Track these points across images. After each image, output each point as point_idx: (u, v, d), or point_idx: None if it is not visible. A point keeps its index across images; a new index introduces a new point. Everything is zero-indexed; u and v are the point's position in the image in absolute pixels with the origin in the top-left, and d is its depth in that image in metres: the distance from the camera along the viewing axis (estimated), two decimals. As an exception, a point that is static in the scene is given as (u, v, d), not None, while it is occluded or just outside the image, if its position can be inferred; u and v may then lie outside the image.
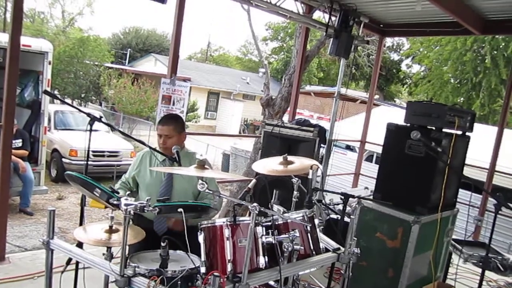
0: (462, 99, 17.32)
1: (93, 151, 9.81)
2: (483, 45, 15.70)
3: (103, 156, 10.16)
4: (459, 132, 3.74)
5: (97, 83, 21.84)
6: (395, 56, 31.41)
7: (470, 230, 5.23)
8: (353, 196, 2.80)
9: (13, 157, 6.43)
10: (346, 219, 3.03)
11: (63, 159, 9.94)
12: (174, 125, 3.06)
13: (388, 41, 27.29)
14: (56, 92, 19.38)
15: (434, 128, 3.61)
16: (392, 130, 3.85)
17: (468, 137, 3.93)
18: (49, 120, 10.16)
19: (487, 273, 3.54)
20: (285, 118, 7.18)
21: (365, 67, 24.31)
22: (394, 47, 31.10)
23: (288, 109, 7.21)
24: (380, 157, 4.08)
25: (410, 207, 3.59)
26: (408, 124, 3.75)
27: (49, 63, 7.62)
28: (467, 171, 4.16)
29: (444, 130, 3.59)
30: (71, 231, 5.98)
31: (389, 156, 3.93)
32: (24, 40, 7.19)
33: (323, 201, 3.18)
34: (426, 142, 3.22)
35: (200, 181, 2.04)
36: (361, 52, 18.27)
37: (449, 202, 3.84)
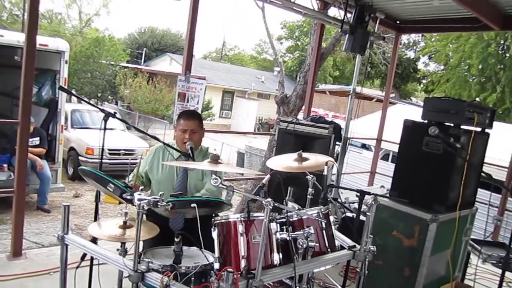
0: (479, 97, 17.00)
1: (109, 149, 9.92)
2: (502, 41, 15.40)
3: (119, 154, 10.26)
4: (478, 129, 3.66)
5: (113, 82, 22.05)
6: (411, 54, 31.01)
7: (489, 230, 5.12)
8: (369, 193, 2.75)
9: (30, 155, 6.55)
10: (362, 217, 2.98)
11: (80, 157, 10.07)
12: (199, 120, 3.06)
13: (404, 38, 26.96)
14: (73, 91, 19.62)
15: (452, 124, 3.53)
16: (409, 127, 3.78)
17: (488, 134, 3.84)
18: (66, 119, 10.29)
19: (507, 274, 3.45)
20: (300, 116, 7.13)
21: (380, 65, 24.05)
22: (410, 44, 30.72)
23: (303, 107, 7.16)
24: (397, 155, 4.01)
25: (427, 205, 3.51)
26: (426, 121, 3.68)
27: (66, 62, 7.71)
28: (486, 170, 4.06)
29: (462, 127, 3.51)
30: (87, 228, 6.05)
31: (406, 153, 3.86)
32: (41, 39, 7.32)
33: (338, 199, 3.15)
34: (445, 138, 3.15)
35: (213, 176, 2.02)
36: (377, 49, 18.08)
37: (468, 200, 3.75)
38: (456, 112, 3.48)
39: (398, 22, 6.64)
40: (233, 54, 46.97)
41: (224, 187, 2.10)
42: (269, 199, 1.97)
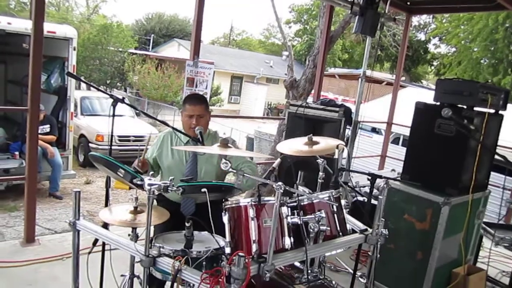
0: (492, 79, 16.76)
1: (119, 136, 9.97)
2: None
3: (129, 140, 10.30)
4: (492, 111, 3.59)
5: (122, 69, 22.04)
6: (421, 36, 30.51)
7: (503, 214, 5.07)
8: (380, 177, 2.71)
9: (41, 142, 6.59)
10: (373, 201, 2.95)
11: (90, 144, 10.13)
12: (205, 104, 3.01)
13: (414, 20, 26.54)
14: (81, 78, 19.62)
15: (465, 106, 3.47)
16: (421, 109, 3.72)
17: (502, 116, 3.77)
18: (76, 106, 10.33)
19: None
20: (310, 100, 7.07)
21: (390, 48, 23.75)
22: (421, 26, 30.20)
23: (312, 91, 7.09)
24: (408, 137, 3.96)
25: (439, 188, 3.47)
26: (438, 103, 3.62)
27: (74, 49, 7.71)
28: (500, 153, 4.00)
29: (476, 108, 3.45)
30: (99, 214, 6.11)
31: (417, 136, 3.81)
32: (49, 26, 7.30)
33: (349, 183, 3.12)
34: (458, 119, 3.09)
35: (223, 160, 2.00)
36: (387, 32, 17.83)
37: (481, 183, 3.71)
38: (470, 93, 3.42)
39: (408, 3, 6.50)
40: (241, 39, 46.67)
41: (234, 171, 2.09)
42: (279, 183, 1.95)
